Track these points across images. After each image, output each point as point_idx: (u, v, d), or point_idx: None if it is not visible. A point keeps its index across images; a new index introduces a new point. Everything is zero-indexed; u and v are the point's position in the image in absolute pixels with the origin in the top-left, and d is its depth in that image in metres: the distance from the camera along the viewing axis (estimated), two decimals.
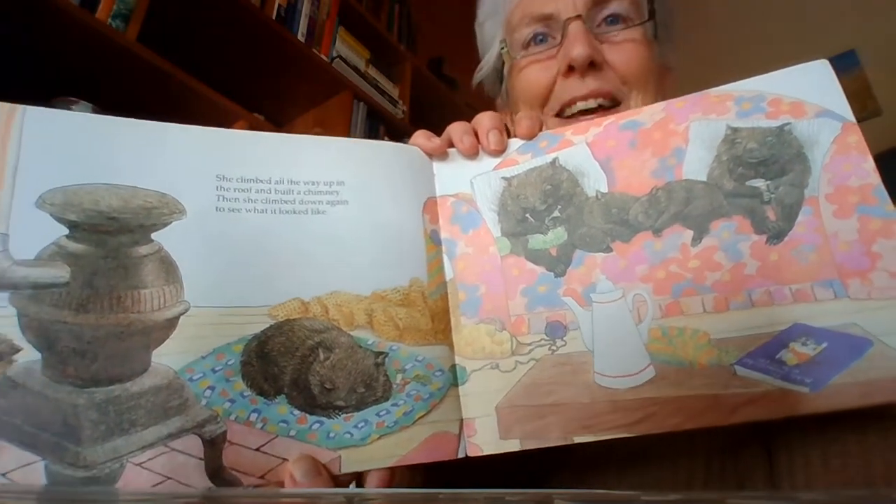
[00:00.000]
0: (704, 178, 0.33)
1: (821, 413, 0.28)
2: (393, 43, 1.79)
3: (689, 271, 0.31)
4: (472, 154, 0.37)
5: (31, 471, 0.25)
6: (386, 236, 0.33)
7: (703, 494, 0.32)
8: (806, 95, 0.33)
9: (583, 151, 0.35)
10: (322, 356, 0.30)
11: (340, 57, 1.55)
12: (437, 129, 0.41)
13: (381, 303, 0.32)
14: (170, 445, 0.28)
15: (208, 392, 0.29)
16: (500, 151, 0.37)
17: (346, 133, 1.51)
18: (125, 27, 1.04)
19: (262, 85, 1.52)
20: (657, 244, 0.32)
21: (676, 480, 0.35)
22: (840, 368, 0.28)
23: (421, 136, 0.39)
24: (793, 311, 0.29)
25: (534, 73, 0.49)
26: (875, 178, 0.30)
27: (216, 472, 0.28)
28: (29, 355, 0.27)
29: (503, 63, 0.54)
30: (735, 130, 0.33)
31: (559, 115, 0.48)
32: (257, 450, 0.29)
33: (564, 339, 0.31)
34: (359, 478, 0.30)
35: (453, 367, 0.32)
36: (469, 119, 0.41)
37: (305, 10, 1.49)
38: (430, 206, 0.36)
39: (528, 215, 0.34)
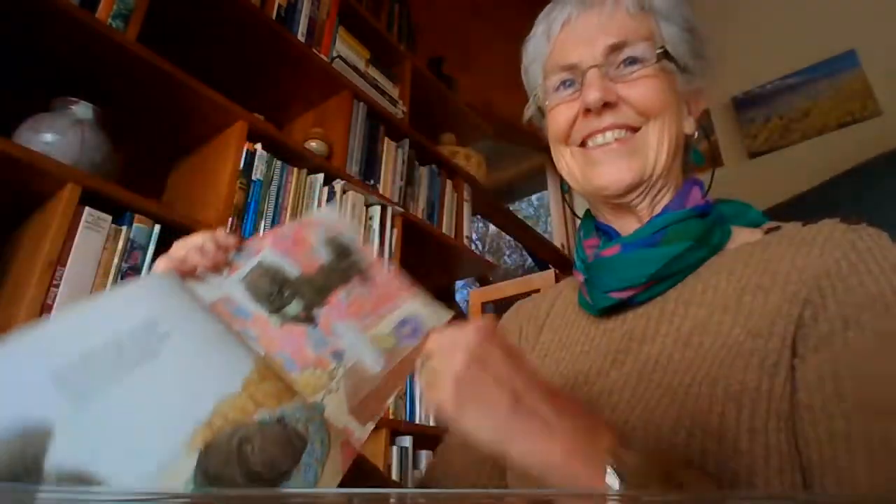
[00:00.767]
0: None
1: None
2: (393, 43, 1.80)
3: (352, 314, 0.50)
4: (212, 269, 0.47)
5: None
6: (216, 339, 0.41)
7: (703, 494, 0.32)
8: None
9: (271, 252, 0.50)
10: (248, 449, 0.36)
11: (340, 57, 1.55)
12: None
13: (253, 387, 0.40)
14: None
15: None
16: (225, 262, 0.48)
17: (346, 133, 1.51)
18: (125, 27, 1.05)
19: (262, 85, 1.52)
20: (341, 296, 0.50)
21: None
22: None
23: (164, 262, 0.46)
24: None
25: (560, 114, 0.57)
26: None
27: None
28: None
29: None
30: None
31: (582, 145, 0.56)
32: None
33: (345, 357, 0.47)
34: None
35: (314, 404, 0.42)
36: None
37: (305, 10, 1.49)
38: (215, 308, 0.45)
39: (272, 297, 0.48)
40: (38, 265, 0.84)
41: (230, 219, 1.14)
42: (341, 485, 0.39)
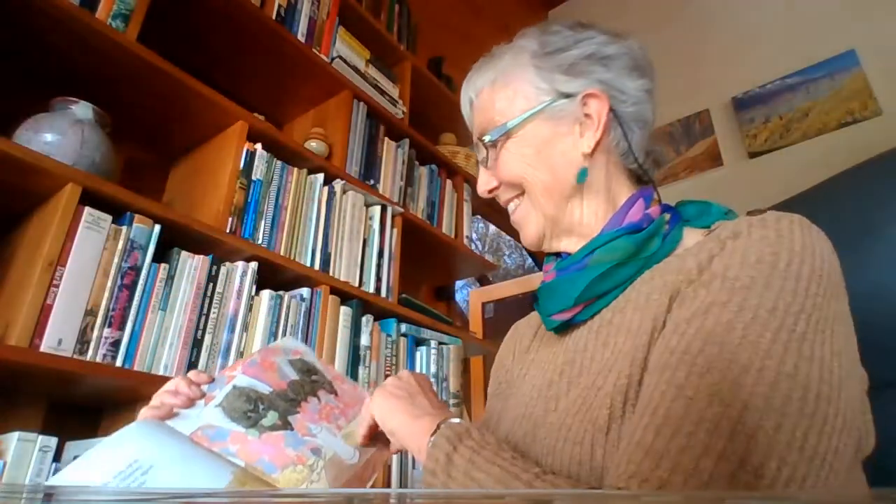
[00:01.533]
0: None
1: None
2: (393, 43, 1.80)
3: (324, 418, 0.59)
4: (187, 405, 0.54)
5: None
6: (195, 460, 0.46)
7: (703, 494, 0.32)
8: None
9: (243, 377, 0.58)
10: None
11: (340, 57, 1.55)
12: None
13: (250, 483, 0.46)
14: None
15: None
16: (200, 395, 0.56)
17: (346, 133, 1.51)
18: (125, 27, 1.05)
19: (262, 85, 1.52)
20: (312, 404, 0.59)
21: None
22: None
23: (144, 411, 0.54)
24: None
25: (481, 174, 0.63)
26: None
27: None
28: None
29: None
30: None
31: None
32: None
33: (323, 451, 0.54)
34: None
35: None
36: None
37: (305, 10, 1.49)
38: (194, 437, 0.51)
39: (249, 414, 0.55)
40: (38, 265, 0.84)
41: (230, 219, 1.14)
42: None
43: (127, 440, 0.46)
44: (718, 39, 2.36)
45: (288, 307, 1.19)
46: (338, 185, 1.41)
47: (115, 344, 0.91)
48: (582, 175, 0.56)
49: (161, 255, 1.01)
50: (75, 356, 0.85)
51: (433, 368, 1.54)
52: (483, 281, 2.72)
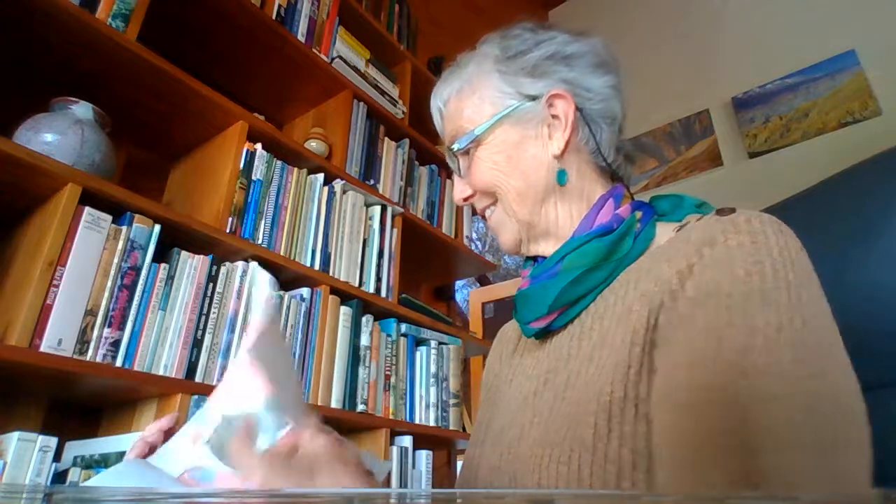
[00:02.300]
0: None
1: None
2: (393, 43, 1.80)
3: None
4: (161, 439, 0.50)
5: None
6: None
7: (703, 494, 0.32)
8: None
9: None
10: None
11: (340, 57, 1.55)
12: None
13: None
14: None
15: None
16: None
17: (346, 133, 1.51)
18: (125, 27, 1.05)
19: (262, 85, 1.52)
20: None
21: None
22: None
23: (135, 451, 0.50)
24: None
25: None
26: None
27: None
28: None
29: None
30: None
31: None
32: None
33: None
34: None
35: None
36: None
37: (305, 10, 1.49)
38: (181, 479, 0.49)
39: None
40: (38, 265, 0.84)
41: (230, 219, 1.14)
42: None
43: (112, 480, 0.46)
44: (718, 39, 2.36)
45: (288, 307, 1.19)
46: (338, 185, 1.41)
47: (115, 344, 0.91)
48: (561, 176, 0.56)
49: (161, 255, 1.01)
50: (75, 356, 0.85)
51: (433, 368, 1.54)
52: (483, 281, 2.73)
